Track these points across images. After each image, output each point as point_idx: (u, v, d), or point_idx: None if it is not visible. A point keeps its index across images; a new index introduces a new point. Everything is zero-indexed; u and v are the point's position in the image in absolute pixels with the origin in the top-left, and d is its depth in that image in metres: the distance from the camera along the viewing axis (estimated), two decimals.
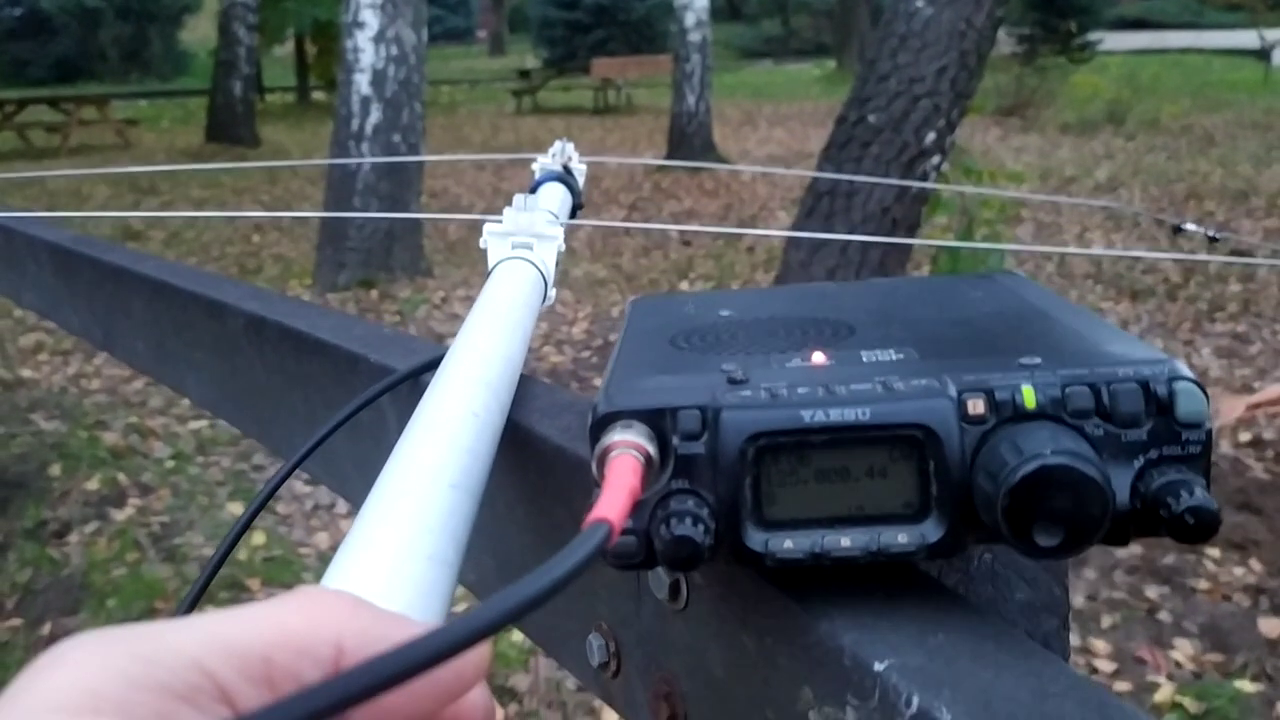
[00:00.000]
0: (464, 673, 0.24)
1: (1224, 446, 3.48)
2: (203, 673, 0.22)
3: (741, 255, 6.83)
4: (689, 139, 10.47)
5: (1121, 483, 0.30)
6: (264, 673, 0.22)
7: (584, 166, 1.06)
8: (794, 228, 4.62)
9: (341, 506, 2.87)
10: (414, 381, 0.61)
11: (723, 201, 8.95)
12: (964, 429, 0.30)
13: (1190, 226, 0.80)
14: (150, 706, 0.21)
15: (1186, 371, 0.31)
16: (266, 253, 7.04)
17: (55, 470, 3.14)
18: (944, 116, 4.18)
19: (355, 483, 0.71)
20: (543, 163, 1.03)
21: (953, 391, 0.30)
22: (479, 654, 0.24)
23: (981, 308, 0.40)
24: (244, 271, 6.48)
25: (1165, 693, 2.01)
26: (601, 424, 0.31)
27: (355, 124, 5.52)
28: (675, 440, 0.31)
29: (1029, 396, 0.30)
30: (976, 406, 0.30)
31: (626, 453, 0.30)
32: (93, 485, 3.05)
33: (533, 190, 0.96)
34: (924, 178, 4.28)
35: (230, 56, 12.50)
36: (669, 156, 10.52)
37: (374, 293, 5.43)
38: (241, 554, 2.61)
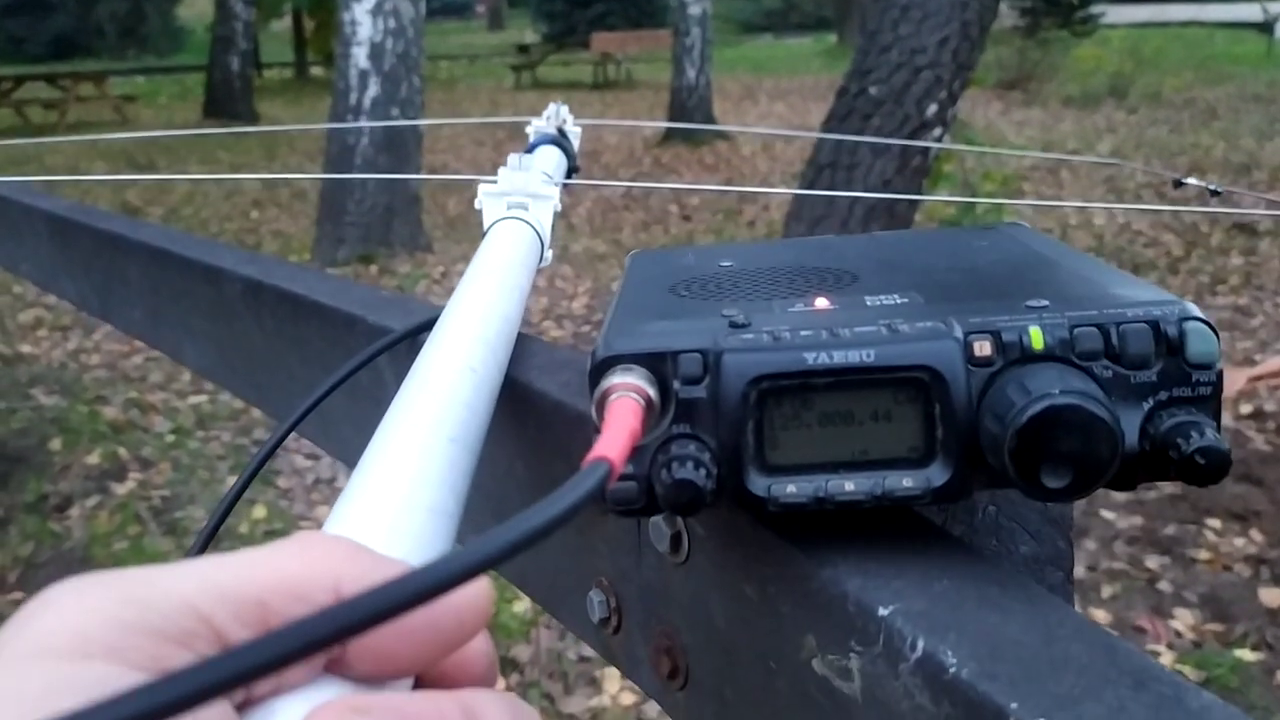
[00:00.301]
0: (464, 618, 0.23)
1: (1225, 419, 3.46)
2: (197, 617, 0.21)
3: (742, 229, 6.81)
4: (689, 113, 10.41)
5: (1130, 425, 0.29)
6: (260, 617, 0.22)
7: (579, 130, 1.05)
8: (795, 200, 4.60)
9: (342, 481, 2.88)
10: (411, 341, 0.60)
11: (723, 176, 8.92)
12: (970, 371, 0.29)
13: (1191, 181, 0.79)
14: (143, 650, 0.20)
15: (1197, 311, 0.30)
16: (265, 229, 7.02)
17: (55, 445, 3.14)
18: (946, 88, 4.16)
19: (354, 445, 0.70)
20: (537, 126, 1.02)
21: (959, 333, 0.30)
22: (480, 599, 0.24)
23: (987, 255, 0.39)
24: (243, 247, 6.46)
25: (1165, 662, 2.02)
26: (601, 368, 0.31)
27: (353, 98, 5.49)
28: (676, 384, 0.30)
29: (1036, 338, 0.29)
30: (983, 348, 0.29)
31: (626, 395, 0.29)
32: (93, 459, 3.05)
33: (528, 153, 0.96)
34: (925, 150, 4.26)
35: (227, 32, 12.43)
36: (669, 131, 10.47)
37: (373, 268, 5.42)
38: (243, 527, 2.62)
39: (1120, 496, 2.71)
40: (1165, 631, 2.13)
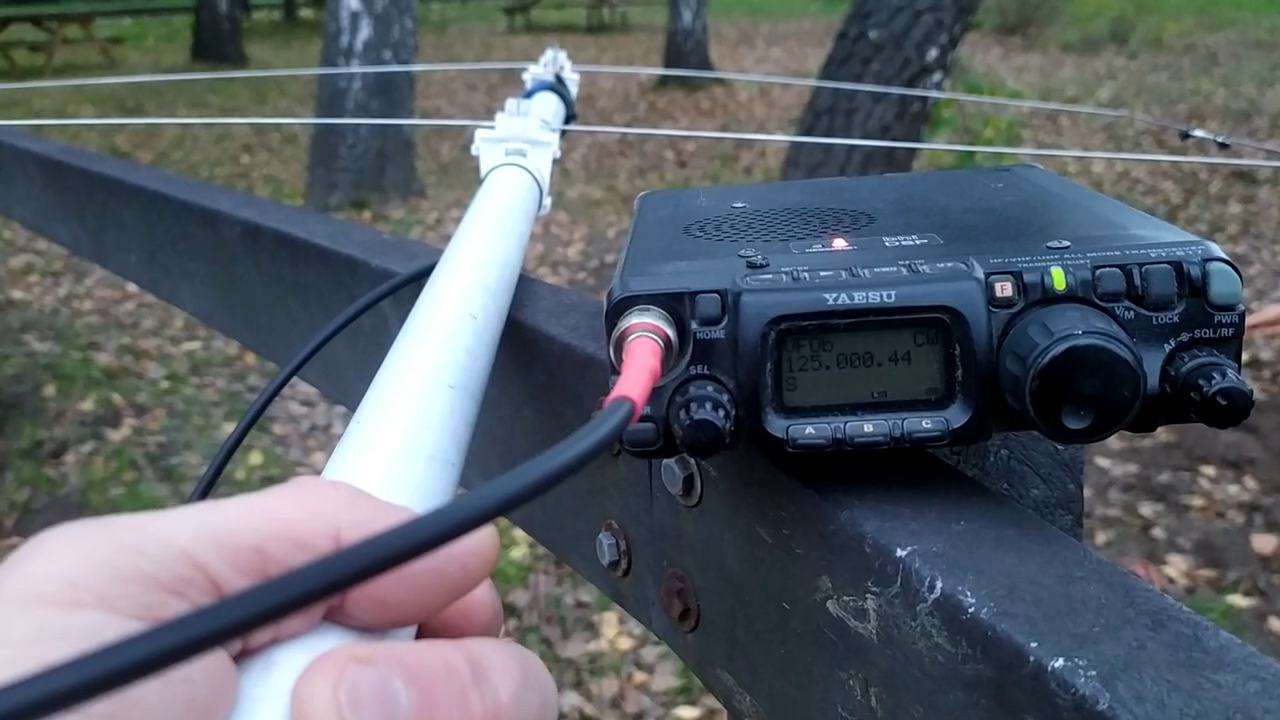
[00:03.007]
0: (469, 565, 0.23)
1: None
2: (192, 564, 0.20)
3: (739, 176, 6.76)
4: (685, 58, 10.30)
5: (1152, 366, 0.29)
6: (257, 564, 0.21)
7: (576, 76, 1.04)
8: (793, 147, 4.57)
9: (338, 428, 2.88)
10: (415, 285, 0.60)
11: (719, 121, 8.84)
12: (991, 312, 0.29)
13: (1199, 133, 0.79)
14: (135, 598, 0.19)
15: (1220, 252, 0.30)
16: (256, 173, 6.96)
17: (50, 391, 3.13)
18: (946, 32, 4.11)
19: (357, 389, 0.70)
20: (534, 72, 1.01)
21: (980, 274, 0.29)
22: (486, 546, 0.23)
23: (1004, 196, 0.39)
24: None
25: None
26: (619, 308, 0.30)
27: (344, 40, 5.41)
28: (694, 325, 0.30)
29: (1058, 278, 0.29)
30: (1004, 289, 0.29)
31: (645, 336, 0.29)
32: (88, 406, 3.05)
33: (525, 99, 0.94)
34: (925, 97, 4.22)
35: None
36: (665, 76, 10.36)
37: (367, 213, 5.38)
38: (239, 473, 2.62)
39: (1115, 444, 2.73)
40: (1158, 578, 2.15)
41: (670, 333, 0.29)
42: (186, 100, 10.19)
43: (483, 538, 0.23)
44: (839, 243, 0.33)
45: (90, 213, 1.19)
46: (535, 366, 0.48)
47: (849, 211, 0.38)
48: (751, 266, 0.31)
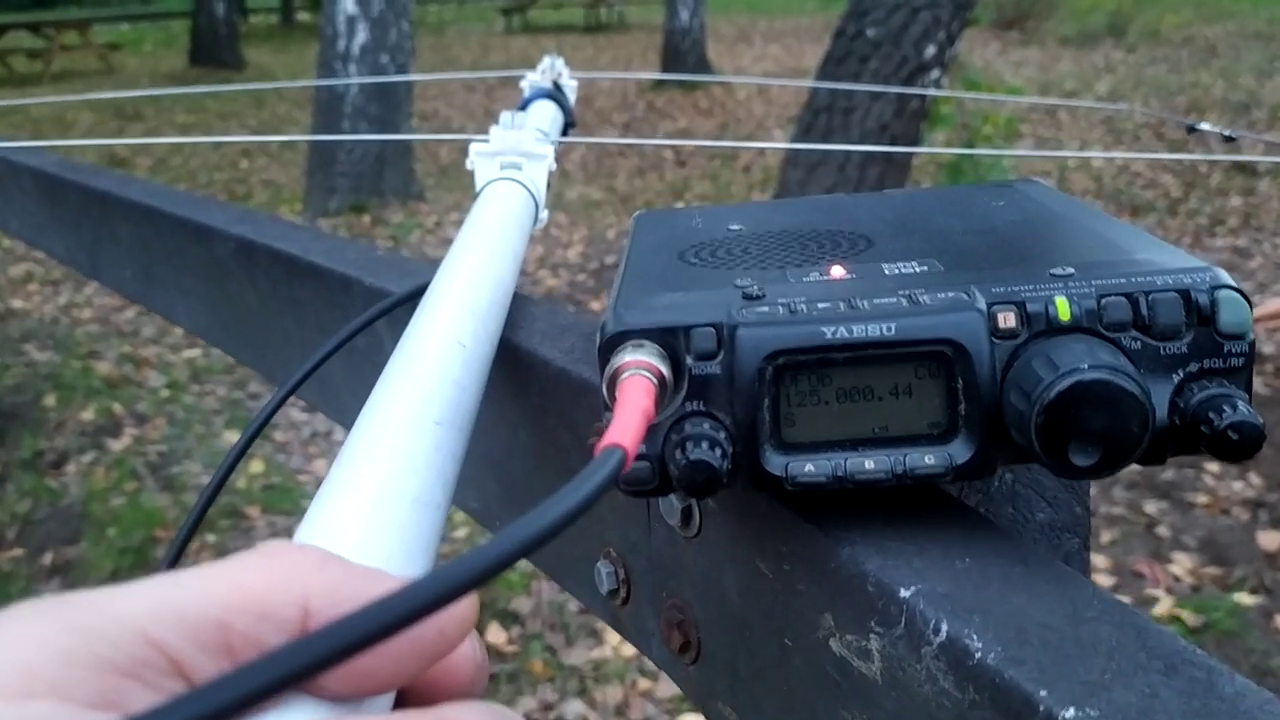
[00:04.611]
0: (447, 629, 0.22)
1: None
2: (150, 644, 0.19)
3: (738, 174, 6.76)
4: (683, 56, 10.29)
5: (1160, 398, 0.28)
6: (221, 640, 0.20)
7: (575, 83, 1.02)
8: (793, 143, 4.56)
9: (339, 433, 2.87)
10: (410, 305, 0.59)
11: (717, 120, 8.83)
12: (994, 344, 0.28)
13: (1205, 126, 0.77)
14: (90, 685, 0.19)
15: (1228, 279, 0.29)
16: (255, 178, 6.96)
17: (50, 401, 3.13)
18: (944, 29, 4.10)
19: (352, 409, 0.69)
20: (531, 80, 1.00)
21: (982, 304, 0.29)
22: (464, 610, 0.22)
23: (1005, 216, 0.38)
24: (233, 198, 6.41)
25: (1164, 606, 2.03)
26: (611, 344, 0.29)
27: (341, 44, 5.40)
28: (689, 360, 0.29)
29: (1063, 308, 0.28)
30: (1007, 319, 0.28)
31: (638, 374, 0.28)
32: (88, 415, 3.04)
33: (522, 108, 0.94)
34: (923, 95, 4.21)
35: None
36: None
37: (366, 218, 5.38)
38: (240, 482, 2.62)
39: None
40: (1164, 576, 2.14)
41: (664, 369, 0.29)
42: (185, 106, 10.18)
43: (460, 602, 0.22)
44: (837, 270, 0.32)
45: (85, 227, 1.19)
46: (530, 389, 0.47)
47: (847, 234, 0.37)
48: (747, 298, 0.30)
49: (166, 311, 1.02)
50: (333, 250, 0.72)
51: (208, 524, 2.43)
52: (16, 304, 4.17)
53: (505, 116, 0.72)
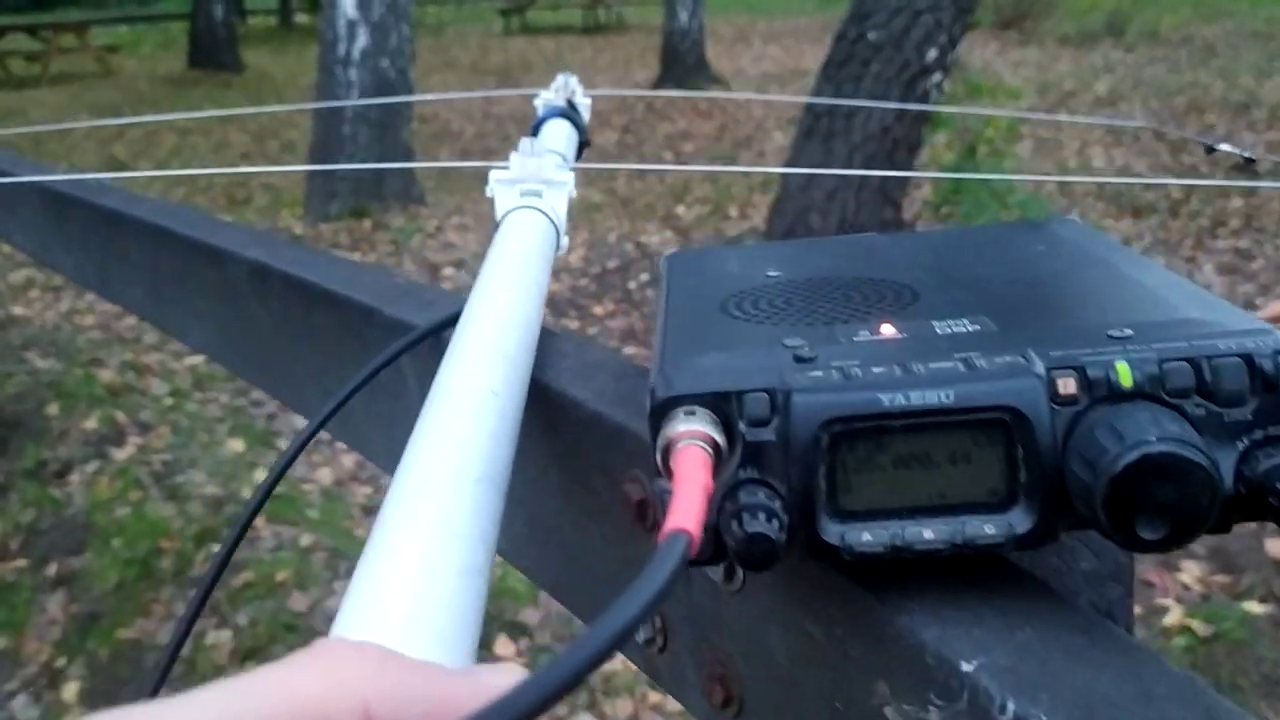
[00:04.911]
0: None
1: None
2: None
3: (738, 179, 6.75)
4: (682, 57, 10.28)
5: (1226, 466, 0.28)
6: None
7: (588, 101, 1.02)
8: (793, 148, 4.55)
9: (343, 444, 2.86)
10: (435, 339, 0.59)
11: (717, 122, 8.82)
12: (1055, 410, 0.28)
13: (1225, 148, 0.76)
14: None
15: None
16: (255, 182, 6.94)
17: (53, 409, 3.12)
18: (946, 32, 4.10)
19: (375, 441, 0.69)
20: (545, 98, 0.99)
21: (1041, 369, 0.28)
22: None
23: (1049, 264, 0.37)
24: (233, 202, 6.40)
25: (1174, 616, 2.03)
26: (662, 409, 0.29)
27: (342, 49, 5.39)
28: (742, 426, 0.29)
29: (1125, 374, 0.28)
30: (1068, 386, 0.28)
31: (694, 445, 0.27)
32: (91, 424, 3.03)
33: (536, 128, 0.93)
34: (925, 96, 4.21)
35: None
36: (662, 75, 10.34)
37: (367, 222, 5.37)
38: (245, 492, 2.61)
39: None
40: (1173, 585, 2.14)
41: (719, 437, 0.28)
42: (184, 110, 10.17)
43: None
44: (887, 329, 0.32)
45: (94, 245, 1.18)
46: (561, 430, 0.47)
47: (889, 284, 0.37)
48: (799, 360, 0.30)
49: (178, 332, 1.01)
50: (350, 277, 0.71)
51: (212, 534, 2.43)
52: (18, 311, 4.16)
53: (525, 144, 0.71)
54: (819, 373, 0.29)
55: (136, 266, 1.07)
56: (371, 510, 2.46)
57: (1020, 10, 12.71)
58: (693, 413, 0.28)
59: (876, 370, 0.29)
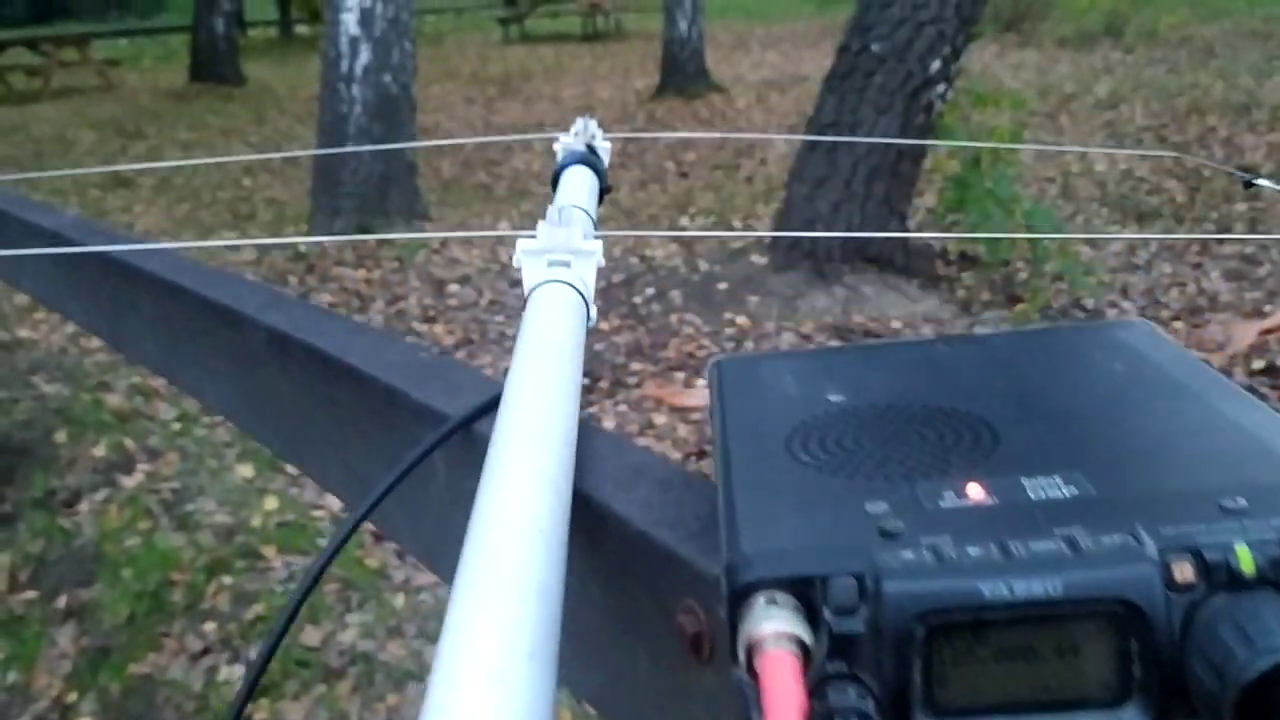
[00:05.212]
0: None
1: (1237, 375, 3.45)
2: None
3: (741, 186, 6.74)
4: (682, 65, 10.28)
5: None
6: None
7: (608, 145, 1.00)
8: (797, 159, 4.54)
9: None
10: (466, 430, 0.57)
11: (717, 129, 8.81)
12: (1170, 598, 0.26)
13: (1264, 182, 0.74)
14: None
15: None
16: (259, 196, 6.94)
17: (61, 436, 3.10)
18: (949, 43, 4.08)
19: (401, 527, 0.67)
20: (565, 143, 0.98)
21: (1153, 551, 0.26)
22: None
23: (1132, 392, 0.35)
24: (237, 217, 6.39)
25: None
26: (741, 594, 0.27)
27: (344, 65, 5.38)
28: (828, 613, 0.27)
29: (1245, 560, 0.26)
30: (1184, 572, 0.26)
31: (782, 648, 0.25)
32: (99, 451, 3.01)
33: (557, 174, 0.91)
34: (929, 107, 4.20)
35: None
36: (662, 83, 10.34)
37: (371, 238, 5.35)
38: (255, 520, 2.59)
39: None
40: None
41: (806, 634, 0.26)
42: (186, 122, 10.17)
43: None
44: (975, 491, 0.30)
45: (104, 294, 1.16)
46: (604, 545, 0.45)
47: (964, 417, 0.35)
48: (885, 535, 0.28)
49: (193, 390, 1.00)
50: (372, 350, 0.69)
51: (223, 565, 2.41)
52: (23, 334, 4.15)
53: (552, 212, 0.69)
54: (910, 554, 0.27)
55: (148, 320, 1.05)
56: (382, 538, 2.44)
57: (1018, 12, 12.70)
58: (775, 601, 0.26)
59: (973, 551, 0.27)
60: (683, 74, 10.28)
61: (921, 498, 0.30)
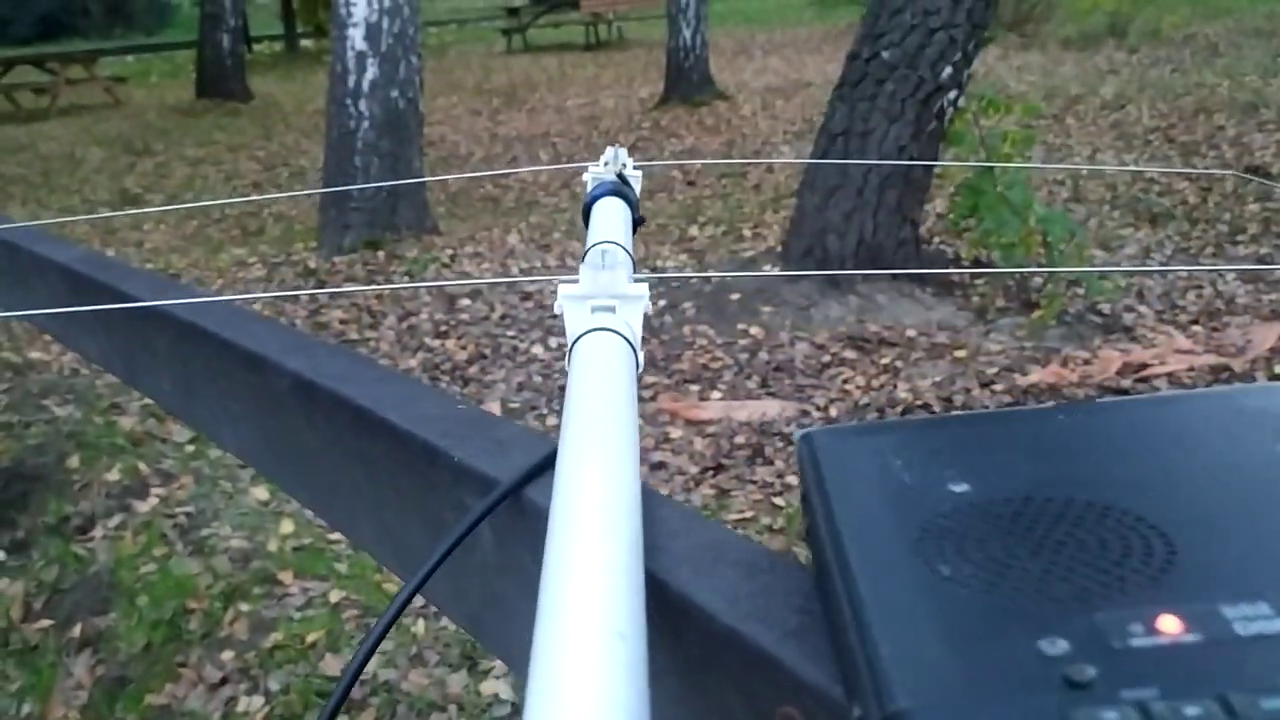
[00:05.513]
0: None
1: (1259, 378, 3.41)
2: None
3: (749, 194, 6.70)
4: (686, 73, 10.26)
5: None
6: None
7: (639, 174, 0.97)
8: (809, 170, 4.50)
9: None
10: (516, 497, 0.53)
11: (725, 138, 8.79)
12: None
13: None
14: None
15: None
16: (266, 211, 6.92)
17: (74, 461, 3.07)
18: (960, 50, 4.04)
19: (440, 587, 0.63)
20: (595, 173, 0.94)
21: None
22: None
23: None
24: (245, 233, 6.37)
25: None
26: None
27: (351, 81, 5.36)
28: None
29: None
30: None
31: None
32: (113, 476, 2.98)
33: (588, 206, 0.88)
34: (941, 113, 4.16)
35: (216, 9, 12.23)
36: (666, 91, 10.32)
37: (381, 254, 5.33)
38: (272, 545, 2.56)
39: None
40: None
41: None
42: (193, 139, 10.17)
43: None
44: (1169, 624, 0.25)
45: (117, 331, 1.13)
46: (685, 638, 0.41)
47: (1123, 516, 0.30)
48: (1073, 685, 0.24)
49: (212, 433, 0.96)
50: (408, 402, 0.66)
51: (240, 592, 2.38)
52: (34, 355, 4.12)
53: (594, 254, 0.66)
54: (1113, 715, 0.23)
55: (165, 359, 1.01)
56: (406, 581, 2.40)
57: (1021, 13, 12.67)
58: None
59: (1191, 712, 0.22)
60: (687, 82, 10.26)
61: (1106, 633, 0.26)
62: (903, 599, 0.28)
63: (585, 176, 0.93)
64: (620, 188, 0.91)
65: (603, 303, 0.61)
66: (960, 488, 0.33)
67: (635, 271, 0.70)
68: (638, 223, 0.89)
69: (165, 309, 0.98)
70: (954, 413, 0.48)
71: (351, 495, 0.72)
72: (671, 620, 0.41)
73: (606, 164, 0.94)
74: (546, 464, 0.54)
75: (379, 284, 4.94)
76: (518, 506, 0.53)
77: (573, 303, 0.62)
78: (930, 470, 0.34)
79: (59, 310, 1.20)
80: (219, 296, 0.91)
